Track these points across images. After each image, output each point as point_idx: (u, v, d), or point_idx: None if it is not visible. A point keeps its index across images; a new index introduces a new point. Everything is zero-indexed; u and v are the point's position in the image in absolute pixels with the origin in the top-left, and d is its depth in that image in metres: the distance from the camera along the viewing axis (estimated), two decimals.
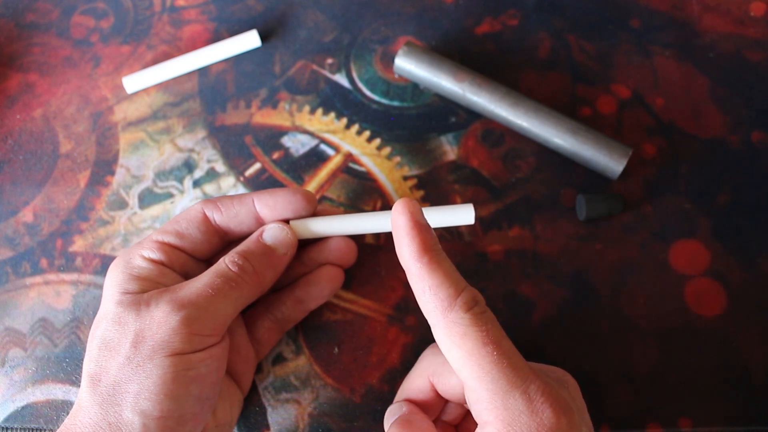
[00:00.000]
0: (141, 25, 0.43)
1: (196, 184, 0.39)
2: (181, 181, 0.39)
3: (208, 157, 0.39)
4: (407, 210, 0.25)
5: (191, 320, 0.27)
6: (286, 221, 0.31)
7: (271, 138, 0.40)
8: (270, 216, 0.31)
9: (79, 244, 0.38)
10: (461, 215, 0.31)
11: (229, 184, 0.39)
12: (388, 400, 0.33)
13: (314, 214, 0.32)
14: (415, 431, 0.27)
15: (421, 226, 0.25)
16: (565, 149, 0.37)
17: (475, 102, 0.38)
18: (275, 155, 0.39)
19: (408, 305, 0.35)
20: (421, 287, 0.25)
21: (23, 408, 0.34)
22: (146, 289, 0.28)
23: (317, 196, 0.38)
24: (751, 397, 0.33)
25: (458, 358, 0.24)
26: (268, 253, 0.30)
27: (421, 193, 0.38)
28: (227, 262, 0.29)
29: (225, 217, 0.31)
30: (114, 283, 0.29)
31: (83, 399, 0.27)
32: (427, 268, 0.24)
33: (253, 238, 0.31)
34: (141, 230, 0.38)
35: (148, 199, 0.39)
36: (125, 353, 0.27)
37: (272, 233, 0.31)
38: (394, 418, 0.28)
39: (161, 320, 0.27)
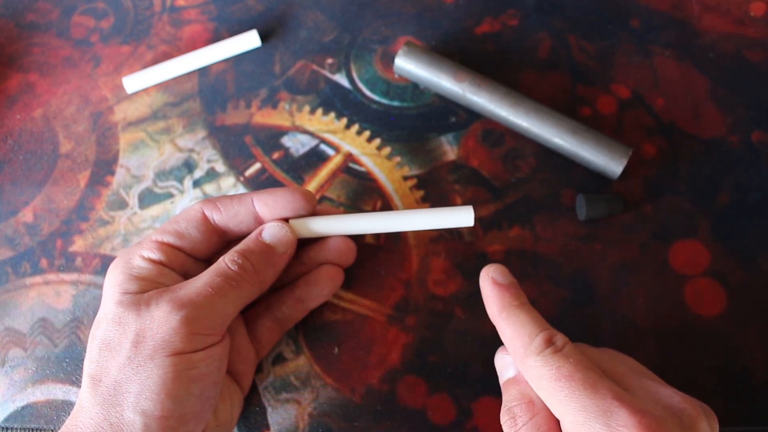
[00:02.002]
0: (141, 25, 0.43)
1: (196, 184, 0.39)
2: (181, 181, 0.39)
3: (208, 157, 0.39)
4: (487, 274, 0.29)
5: (191, 320, 0.27)
6: (286, 220, 0.31)
7: (271, 138, 0.40)
8: (269, 215, 0.31)
9: (79, 244, 0.38)
10: (460, 217, 0.31)
11: (229, 184, 0.39)
12: (388, 400, 0.33)
13: (314, 213, 0.32)
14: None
15: (500, 287, 0.28)
16: (565, 149, 0.37)
17: (475, 102, 0.38)
18: (275, 155, 0.39)
19: (408, 305, 0.35)
20: (504, 340, 0.28)
21: (23, 408, 0.34)
22: (146, 289, 0.28)
23: (317, 197, 0.38)
24: (751, 397, 0.33)
25: (545, 399, 0.25)
26: (267, 252, 0.30)
27: (421, 193, 0.38)
28: (227, 261, 0.29)
29: (224, 217, 0.31)
30: (114, 284, 0.29)
31: (84, 399, 0.27)
32: (504, 323, 0.27)
33: (253, 236, 0.31)
34: (141, 230, 0.38)
35: (148, 199, 0.39)
36: (126, 353, 0.27)
37: (271, 232, 0.31)
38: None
39: (161, 320, 0.27)
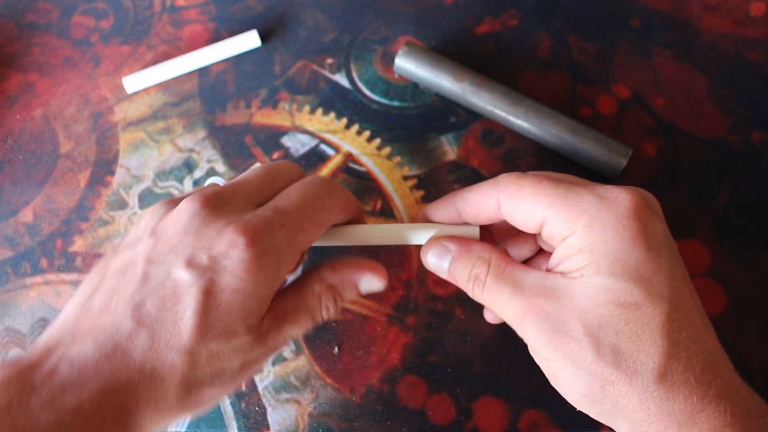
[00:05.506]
0: (141, 25, 0.43)
1: (196, 184, 0.39)
2: (181, 181, 0.39)
3: (208, 157, 0.39)
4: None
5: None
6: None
7: (271, 138, 0.40)
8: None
9: (79, 244, 0.38)
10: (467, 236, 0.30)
11: None
12: (388, 400, 0.33)
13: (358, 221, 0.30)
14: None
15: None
16: (565, 149, 0.37)
17: (475, 102, 0.38)
18: (275, 155, 0.39)
19: (408, 305, 0.35)
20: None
21: None
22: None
23: None
24: None
25: (527, 204, 0.25)
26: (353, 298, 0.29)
27: (421, 193, 0.38)
28: (325, 302, 0.27)
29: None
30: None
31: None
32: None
33: (352, 283, 0.28)
34: None
35: (148, 199, 0.39)
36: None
37: (369, 286, 0.29)
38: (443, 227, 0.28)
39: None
